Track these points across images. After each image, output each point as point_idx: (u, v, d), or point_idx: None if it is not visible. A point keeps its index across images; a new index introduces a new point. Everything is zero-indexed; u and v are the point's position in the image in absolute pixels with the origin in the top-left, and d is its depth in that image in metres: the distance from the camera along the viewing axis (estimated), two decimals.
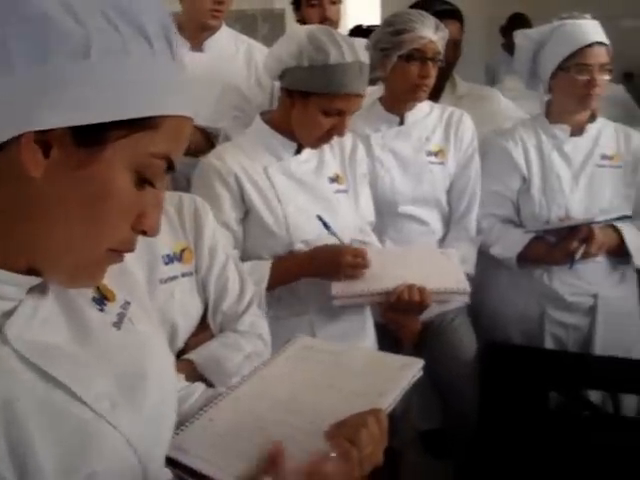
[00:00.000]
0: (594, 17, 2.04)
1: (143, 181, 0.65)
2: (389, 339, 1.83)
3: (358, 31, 3.46)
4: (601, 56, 1.95)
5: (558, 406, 1.89)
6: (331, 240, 1.63)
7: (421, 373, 1.06)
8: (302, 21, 2.62)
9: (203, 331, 1.35)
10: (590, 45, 1.93)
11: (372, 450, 0.87)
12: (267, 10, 5.14)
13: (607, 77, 1.98)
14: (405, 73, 1.89)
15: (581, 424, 1.65)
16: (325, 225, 1.62)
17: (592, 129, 2.06)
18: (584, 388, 1.87)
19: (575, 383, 1.82)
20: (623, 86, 3.31)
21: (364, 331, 1.81)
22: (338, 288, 1.59)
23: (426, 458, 2.66)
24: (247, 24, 4.64)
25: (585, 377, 1.84)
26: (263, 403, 1.01)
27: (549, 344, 2.07)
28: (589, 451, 1.54)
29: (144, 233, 0.69)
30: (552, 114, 2.09)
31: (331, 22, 2.54)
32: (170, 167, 0.67)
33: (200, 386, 1.13)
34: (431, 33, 1.87)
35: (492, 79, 4.44)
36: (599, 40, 1.95)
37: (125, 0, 0.62)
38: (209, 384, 1.28)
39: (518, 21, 4.58)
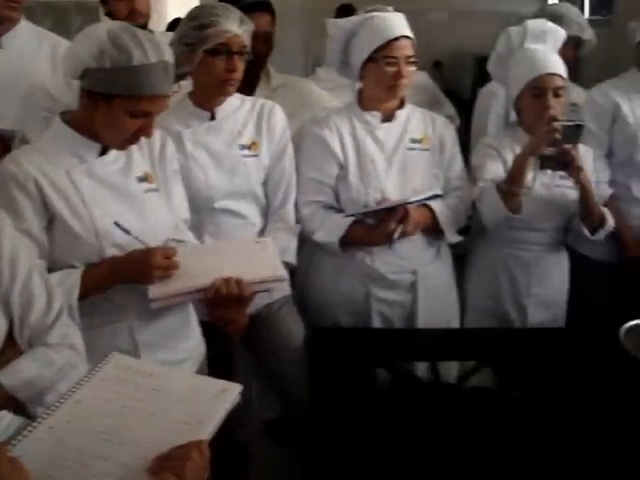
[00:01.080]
0: (406, 10, 2.14)
1: None
2: (217, 336, 1.82)
3: (177, 24, 3.39)
4: (407, 49, 2.04)
5: (391, 382, 1.98)
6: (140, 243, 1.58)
7: (239, 398, 1.09)
8: (110, 14, 2.52)
9: (10, 349, 1.26)
10: (397, 38, 2.02)
11: None
12: (80, 2, 4.89)
13: (412, 68, 2.07)
14: (211, 68, 1.87)
15: (408, 395, 1.72)
16: (125, 231, 1.56)
17: (401, 115, 2.16)
18: (409, 361, 1.96)
19: (401, 357, 1.90)
20: (428, 74, 3.50)
21: (189, 330, 1.79)
22: (155, 290, 1.54)
23: (272, 447, 2.70)
24: (58, 17, 4.38)
25: (410, 351, 1.93)
26: (82, 433, 0.97)
27: (376, 322, 2.16)
28: (418, 419, 1.62)
29: None
30: (364, 102, 2.16)
31: (140, 15, 2.47)
32: None
33: (5, 416, 1.06)
34: (235, 27, 1.86)
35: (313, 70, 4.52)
36: (404, 34, 2.04)
37: None
38: (20, 405, 1.21)
39: (345, 12, 4.68)
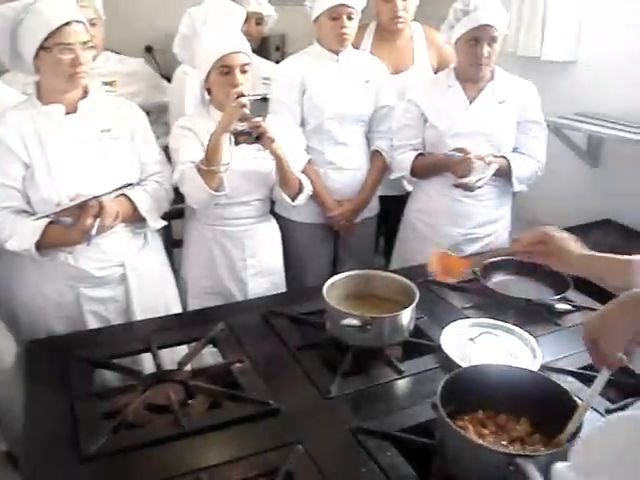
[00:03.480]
0: None
1: None
2: None
3: None
4: (81, 34, 1.92)
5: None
6: None
7: None
8: None
9: None
10: (68, 23, 1.89)
11: None
12: None
13: (91, 53, 1.98)
14: None
15: (129, 391, 1.68)
16: None
17: (85, 105, 2.04)
18: (132, 355, 1.91)
19: (120, 354, 1.84)
20: (144, 59, 3.42)
21: None
22: None
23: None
24: None
25: (130, 345, 1.88)
26: None
27: (92, 323, 2.09)
28: (142, 411, 1.59)
29: None
30: (44, 94, 2.01)
31: None
32: None
33: None
34: None
35: None
36: (75, 18, 1.91)
37: None
38: None
39: None
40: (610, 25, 2.88)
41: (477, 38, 2.36)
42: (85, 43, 1.93)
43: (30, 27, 1.90)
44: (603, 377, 1.26)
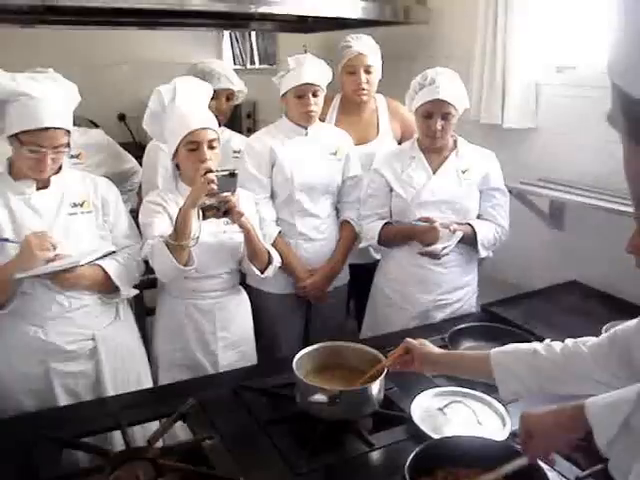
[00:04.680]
0: (87, 66, 2.03)
1: None
2: None
3: None
4: (57, 139, 1.96)
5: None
6: None
7: None
8: None
9: None
10: (46, 129, 1.92)
11: None
12: None
13: (62, 153, 2.02)
14: None
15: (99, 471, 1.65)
16: None
17: (58, 181, 2.07)
18: (102, 433, 1.88)
19: (88, 433, 1.81)
20: (109, 127, 3.48)
21: None
22: None
23: None
24: None
25: (100, 422, 1.86)
26: None
27: (62, 399, 2.06)
28: None
29: None
30: (15, 171, 2.05)
31: None
32: None
33: None
34: None
35: None
36: (55, 125, 1.94)
37: None
38: None
39: None
40: (565, 94, 3.00)
41: (431, 112, 2.44)
42: (57, 147, 1.97)
43: (12, 114, 1.94)
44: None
